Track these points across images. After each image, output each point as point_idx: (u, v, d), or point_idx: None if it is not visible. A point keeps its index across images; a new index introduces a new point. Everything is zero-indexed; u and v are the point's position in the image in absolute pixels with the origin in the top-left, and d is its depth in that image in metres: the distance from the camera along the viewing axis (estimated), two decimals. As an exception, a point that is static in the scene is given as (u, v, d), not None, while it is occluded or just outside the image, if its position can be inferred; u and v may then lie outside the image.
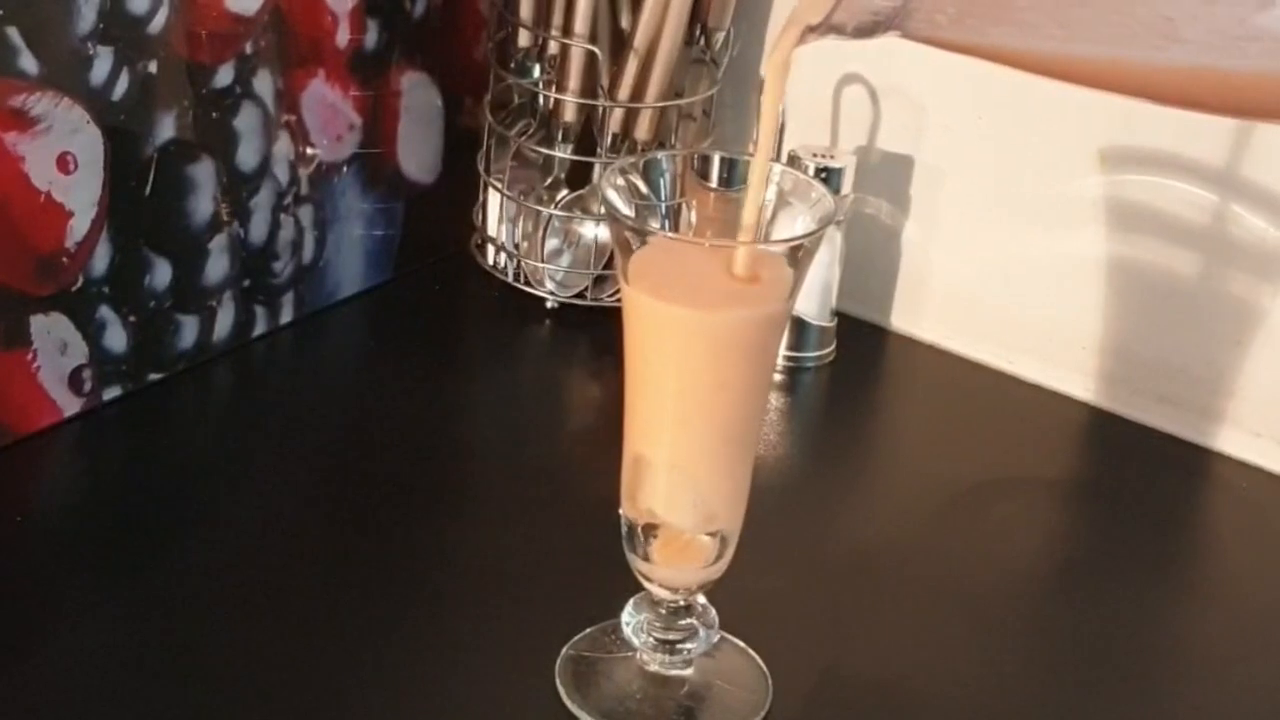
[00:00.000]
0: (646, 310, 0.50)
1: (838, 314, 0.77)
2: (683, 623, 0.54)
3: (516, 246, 0.78)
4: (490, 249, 0.80)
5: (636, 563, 0.54)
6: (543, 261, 0.78)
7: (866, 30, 0.42)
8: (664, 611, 0.54)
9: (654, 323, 0.50)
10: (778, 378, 0.76)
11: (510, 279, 0.79)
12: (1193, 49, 0.37)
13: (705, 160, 0.54)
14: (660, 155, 0.53)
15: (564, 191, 0.77)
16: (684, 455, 0.51)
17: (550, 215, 0.77)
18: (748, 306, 0.49)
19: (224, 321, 0.71)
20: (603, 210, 0.64)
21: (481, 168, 0.79)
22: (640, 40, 0.73)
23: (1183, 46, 0.38)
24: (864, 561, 0.63)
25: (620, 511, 0.53)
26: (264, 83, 0.69)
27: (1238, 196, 0.69)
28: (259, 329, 0.73)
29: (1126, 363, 0.74)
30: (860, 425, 0.75)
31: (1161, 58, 0.38)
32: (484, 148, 0.79)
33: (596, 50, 0.74)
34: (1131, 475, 0.71)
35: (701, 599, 0.54)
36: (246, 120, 0.69)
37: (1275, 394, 0.70)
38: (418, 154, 0.79)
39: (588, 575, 0.59)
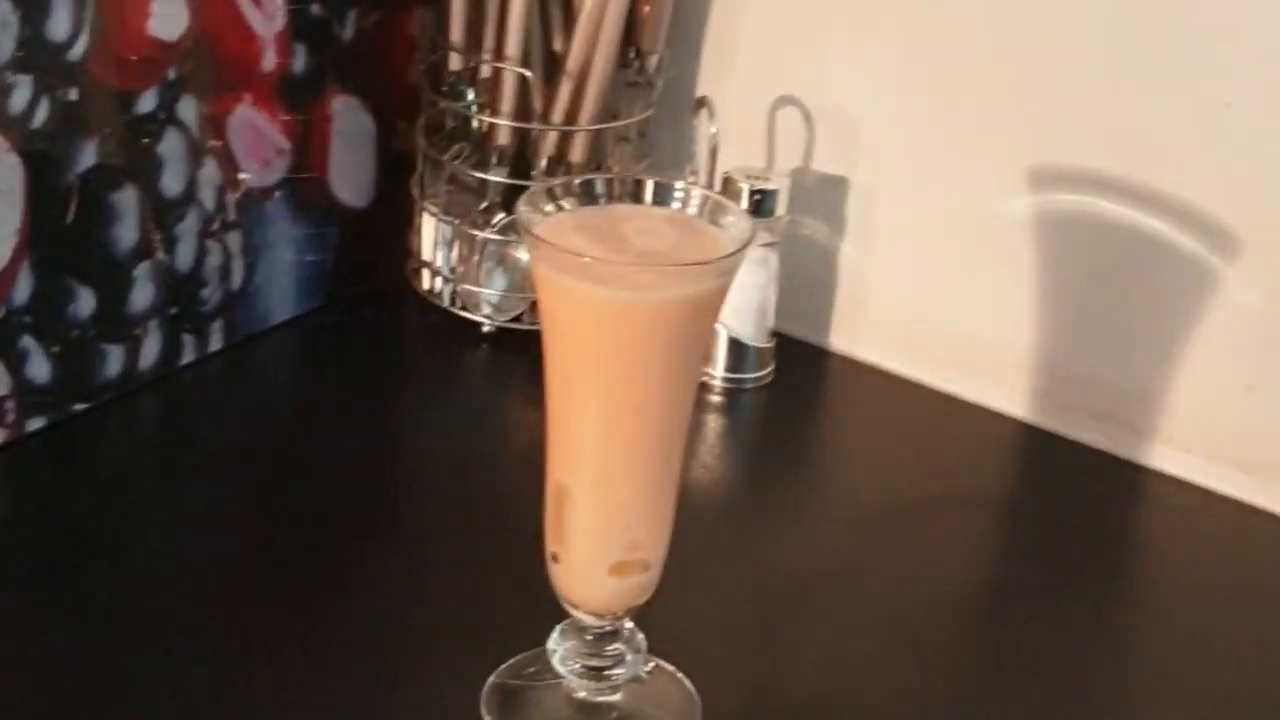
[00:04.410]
0: (559, 290, 0.48)
1: (776, 335, 0.77)
2: (610, 649, 0.54)
3: (452, 271, 0.78)
4: (426, 274, 0.79)
5: (561, 588, 0.53)
6: (479, 286, 0.77)
7: None
8: (590, 637, 0.53)
9: (568, 309, 0.49)
10: (716, 399, 0.75)
11: (446, 304, 0.78)
12: None
13: (638, 184, 0.52)
14: (595, 178, 0.52)
15: (500, 215, 0.77)
16: (605, 482, 0.51)
17: (486, 239, 0.76)
18: (671, 287, 0.48)
19: (150, 350, 0.70)
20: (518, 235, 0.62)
21: (416, 192, 0.78)
22: (573, 63, 0.73)
23: None
24: (797, 584, 0.63)
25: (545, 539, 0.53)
26: (188, 108, 0.68)
27: (1166, 214, 0.69)
28: (187, 357, 0.72)
29: (1060, 380, 0.74)
30: (799, 445, 0.75)
31: None
32: (418, 172, 0.78)
33: (529, 73, 0.73)
34: (1066, 492, 0.71)
35: (629, 624, 0.54)
36: (171, 146, 0.68)
37: (1206, 410, 0.70)
38: (350, 178, 0.78)
39: (519, 602, 0.59)
